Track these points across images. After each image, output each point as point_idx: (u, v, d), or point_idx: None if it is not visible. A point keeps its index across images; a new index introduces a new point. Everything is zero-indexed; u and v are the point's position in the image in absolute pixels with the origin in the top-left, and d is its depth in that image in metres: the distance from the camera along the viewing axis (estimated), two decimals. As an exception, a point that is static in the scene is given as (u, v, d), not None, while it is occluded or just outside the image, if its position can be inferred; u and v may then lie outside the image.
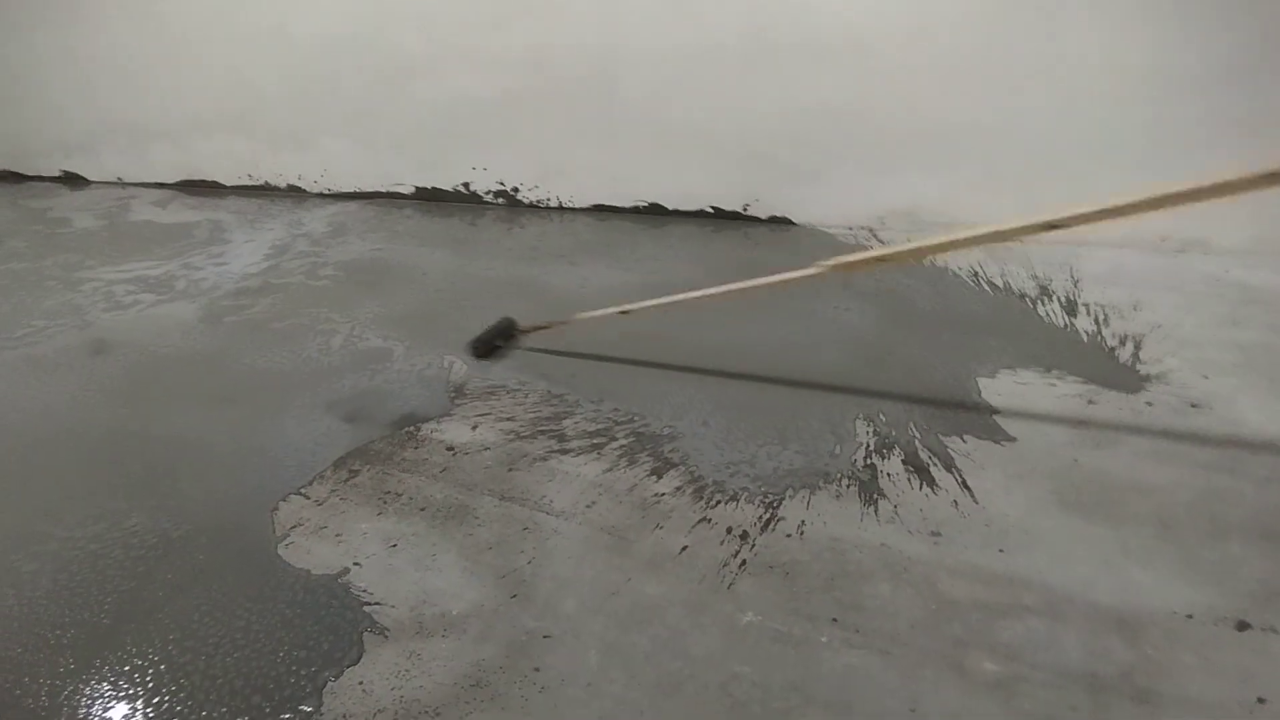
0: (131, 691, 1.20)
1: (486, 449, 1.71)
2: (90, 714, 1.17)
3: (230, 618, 1.32)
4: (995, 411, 1.74)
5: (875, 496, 1.50)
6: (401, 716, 1.13)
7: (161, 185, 4.20)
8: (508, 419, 1.81)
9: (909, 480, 1.53)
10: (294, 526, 1.52)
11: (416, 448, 1.73)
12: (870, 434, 1.69)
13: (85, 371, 2.22)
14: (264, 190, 3.92)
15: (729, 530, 1.44)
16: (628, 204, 3.17)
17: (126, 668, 1.24)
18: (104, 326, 2.51)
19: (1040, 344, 2.01)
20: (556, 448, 1.69)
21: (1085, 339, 2.03)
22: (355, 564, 1.41)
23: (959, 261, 2.53)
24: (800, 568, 1.35)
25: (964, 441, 1.65)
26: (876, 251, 1.63)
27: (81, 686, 1.22)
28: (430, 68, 3.17)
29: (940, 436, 1.67)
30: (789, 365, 1.98)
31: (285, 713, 1.15)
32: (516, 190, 3.30)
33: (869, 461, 1.60)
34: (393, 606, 1.32)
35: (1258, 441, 1.59)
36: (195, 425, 1.91)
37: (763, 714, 1.09)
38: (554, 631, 1.25)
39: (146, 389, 2.10)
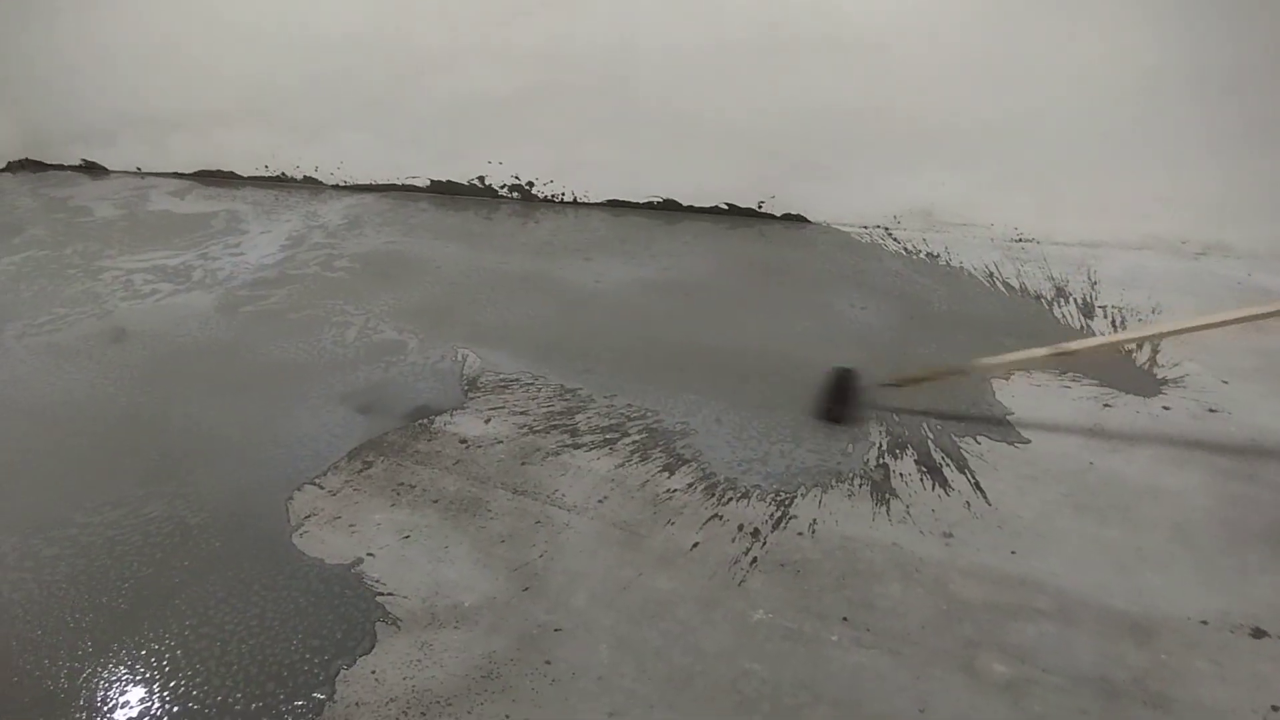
0: (148, 675, 1.22)
1: (500, 442, 1.71)
2: (108, 696, 1.19)
3: (246, 605, 1.34)
4: (1009, 413, 1.73)
5: (888, 496, 1.49)
6: (413, 706, 1.14)
7: (179, 175, 4.23)
8: (521, 413, 1.82)
9: (922, 481, 1.53)
10: (308, 516, 1.53)
11: (430, 440, 1.74)
12: (883, 433, 1.68)
13: (105, 359, 2.24)
14: (281, 181, 3.95)
15: (740, 527, 1.44)
16: (642, 199, 3.16)
17: (143, 652, 1.26)
18: (123, 315, 2.53)
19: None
20: (569, 442, 1.70)
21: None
22: (369, 554, 1.43)
23: (975, 261, 2.52)
24: (811, 566, 1.35)
25: (977, 443, 1.64)
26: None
27: (100, 669, 1.23)
28: (447, 62, 3.18)
29: (954, 437, 1.66)
30: (805, 362, 1.97)
31: (299, 700, 1.16)
32: (531, 185, 3.30)
33: (882, 461, 1.59)
34: (405, 597, 1.33)
35: (1278, 448, 1.58)
36: (212, 414, 1.93)
37: (772, 711, 1.09)
38: (565, 625, 1.26)
39: (164, 377, 2.12)
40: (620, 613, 1.27)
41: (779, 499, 1.50)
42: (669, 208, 3.13)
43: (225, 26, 3.65)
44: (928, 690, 1.11)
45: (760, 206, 3.00)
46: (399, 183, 3.62)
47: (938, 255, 2.59)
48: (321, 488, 1.61)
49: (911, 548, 1.36)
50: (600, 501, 1.52)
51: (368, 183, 3.70)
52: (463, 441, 1.73)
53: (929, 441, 1.64)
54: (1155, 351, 1.93)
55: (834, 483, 1.54)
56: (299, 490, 1.61)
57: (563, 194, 3.26)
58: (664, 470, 1.60)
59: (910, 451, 1.61)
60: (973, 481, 1.52)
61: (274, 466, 1.70)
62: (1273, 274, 2.35)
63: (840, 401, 1.75)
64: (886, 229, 2.81)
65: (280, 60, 3.59)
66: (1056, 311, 2.19)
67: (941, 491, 1.50)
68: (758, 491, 1.53)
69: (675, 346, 2.08)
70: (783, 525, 1.44)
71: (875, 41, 2.54)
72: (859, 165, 2.77)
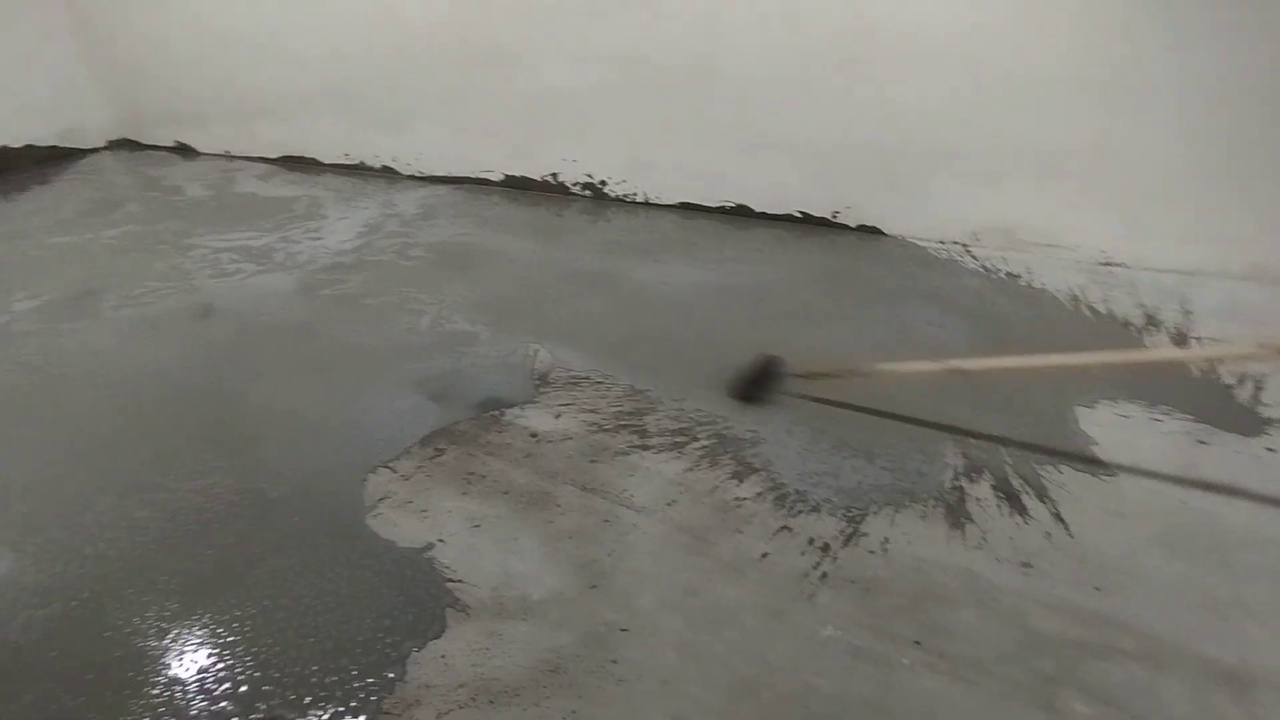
0: (229, 640, 1.26)
1: (569, 438, 1.73)
2: (192, 658, 1.23)
3: (322, 580, 1.38)
4: (1094, 443, 1.67)
5: (963, 520, 1.45)
6: (481, 693, 1.16)
7: (265, 160, 4.38)
8: (590, 410, 1.83)
9: (999, 507, 1.48)
10: (382, 499, 1.57)
11: (500, 432, 1.76)
12: (959, 456, 1.64)
13: (192, 333, 2.34)
14: (359, 170, 4.05)
15: (810, 541, 1.42)
16: (714, 203, 3.15)
17: (226, 618, 1.31)
18: (210, 292, 2.64)
19: (1145, 376, 1.91)
20: (638, 443, 1.70)
21: (1197, 374, 1.92)
22: (439, 540, 1.45)
23: (1058, 284, 2.43)
24: (882, 585, 1.32)
25: (1059, 472, 1.58)
26: None
27: (184, 630, 1.28)
28: (528, 57, 3.22)
29: (1034, 465, 1.60)
30: (875, 378, 1.94)
31: (371, 677, 1.19)
32: (604, 184, 3.32)
33: (957, 484, 1.55)
34: (474, 585, 1.35)
35: (1390, 499, 1.48)
36: (291, 392, 1.99)
37: (842, 731, 1.07)
38: (631, 625, 1.26)
39: (246, 354, 2.20)
40: (686, 617, 1.27)
41: (850, 515, 1.48)
42: (741, 213, 3.11)
43: (313, 17, 3.76)
44: (1005, 724, 1.07)
45: (834, 216, 2.95)
46: (473, 176, 3.68)
47: (1018, 275, 2.51)
48: (395, 471, 1.65)
49: (988, 575, 1.32)
50: (668, 505, 1.51)
51: (442, 175, 3.77)
52: (532, 435, 1.74)
53: (1007, 467, 1.59)
54: (1259, 387, 1.84)
55: (907, 502, 1.51)
56: (373, 473, 1.65)
57: (634, 194, 3.27)
58: (733, 477, 1.59)
59: (987, 476, 1.57)
60: (1053, 512, 1.47)
61: (349, 447, 1.75)
62: (1386, 313, 2.22)
63: (753, 384, 1.85)
64: (965, 245, 2.74)
65: (365, 51, 3.69)
66: (1146, 340, 2.10)
67: (1020, 520, 1.45)
68: (828, 505, 1.51)
69: (745, 352, 2.06)
70: (853, 542, 1.41)
71: (965, 52, 2.48)
72: (938, 179, 2.71)
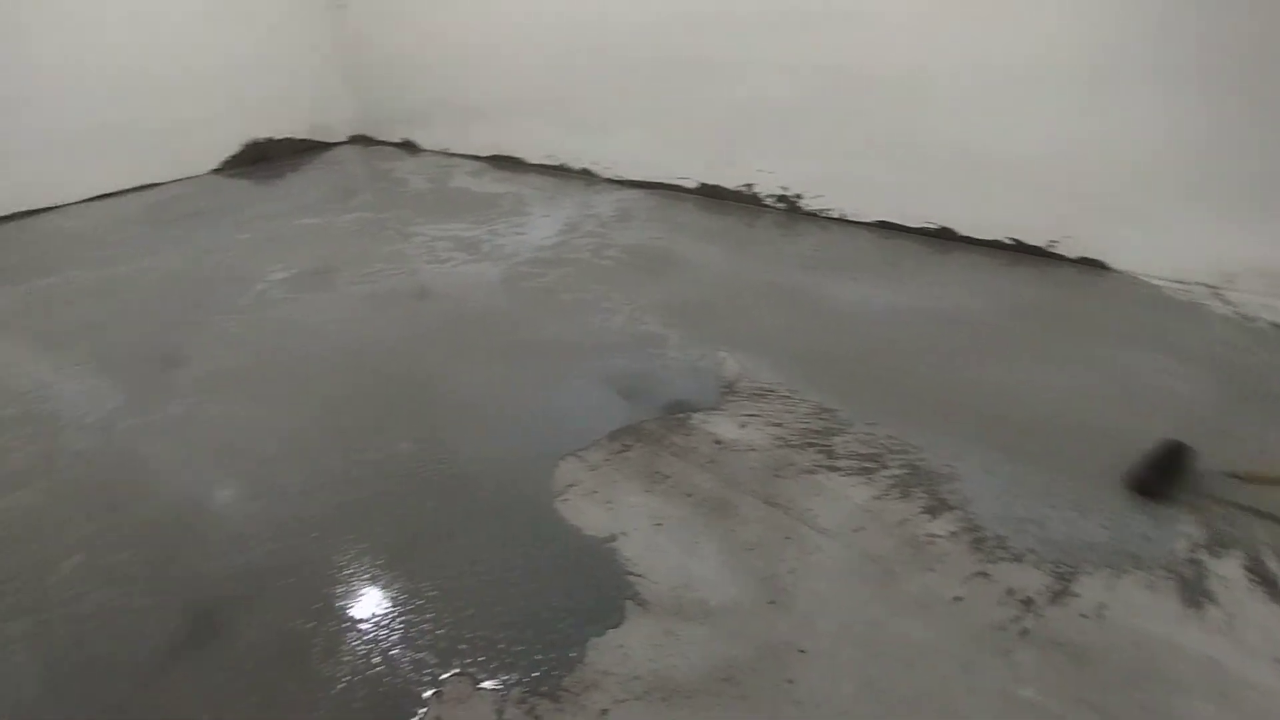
0: (431, 595, 1.37)
1: (753, 450, 1.72)
2: (398, 605, 1.36)
3: (511, 556, 1.46)
4: (1378, 533, 1.41)
5: (1201, 599, 1.28)
6: (656, 689, 1.17)
7: (476, 158, 4.75)
8: (776, 424, 1.80)
9: (1250, 591, 1.29)
10: (570, 485, 1.64)
11: (686, 435, 1.79)
12: (1198, 525, 1.44)
13: (410, 312, 2.58)
14: (561, 170, 4.28)
15: (1010, 591, 1.31)
16: (915, 224, 3.01)
17: (423, 583, 1.42)
18: (426, 276, 2.90)
19: None
20: (825, 463, 1.66)
21: None
22: (622, 533, 1.49)
23: (1332, 340, 2.08)
24: (1095, 655, 1.19)
25: (1330, 560, 1.35)
26: None
27: (391, 581, 1.41)
28: (731, 67, 3.24)
29: (1296, 547, 1.38)
30: (1093, 425, 1.75)
31: (554, 653, 1.25)
32: (799, 197, 3.27)
33: (1195, 556, 1.37)
34: (655, 582, 1.37)
35: None
36: (492, 375, 2.13)
37: (1043, 806, 0.98)
38: (809, 648, 1.23)
39: (455, 335, 2.39)
40: (868, 651, 1.22)
41: (1059, 571, 1.35)
42: (943, 235, 2.95)
43: (531, 22, 4.03)
44: (1248, 841, 0.93)
45: (1050, 246, 2.72)
46: (667, 182, 3.77)
47: (1284, 327, 2.18)
48: (583, 461, 1.72)
49: (1232, 666, 1.16)
50: (854, 530, 1.46)
51: (638, 179, 3.90)
52: (717, 442, 1.75)
53: (1262, 546, 1.38)
54: None
55: (1130, 568, 1.35)
56: (563, 460, 1.73)
57: (830, 210, 3.20)
58: (925, 512, 1.50)
59: (1237, 554, 1.37)
60: (1320, 606, 1.25)
61: (542, 433, 1.85)
62: None
63: (1164, 476, 1.53)
64: (1213, 288, 2.41)
65: (573, 59, 3.89)
66: None
67: (1278, 609, 1.25)
68: (1033, 556, 1.38)
69: (943, 382, 1.95)
70: (1062, 601, 1.29)
71: (1221, 66, 2.18)
72: (1182, 209, 2.41)
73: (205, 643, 1.32)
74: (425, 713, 1.16)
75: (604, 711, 1.14)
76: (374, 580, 1.42)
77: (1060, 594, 1.30)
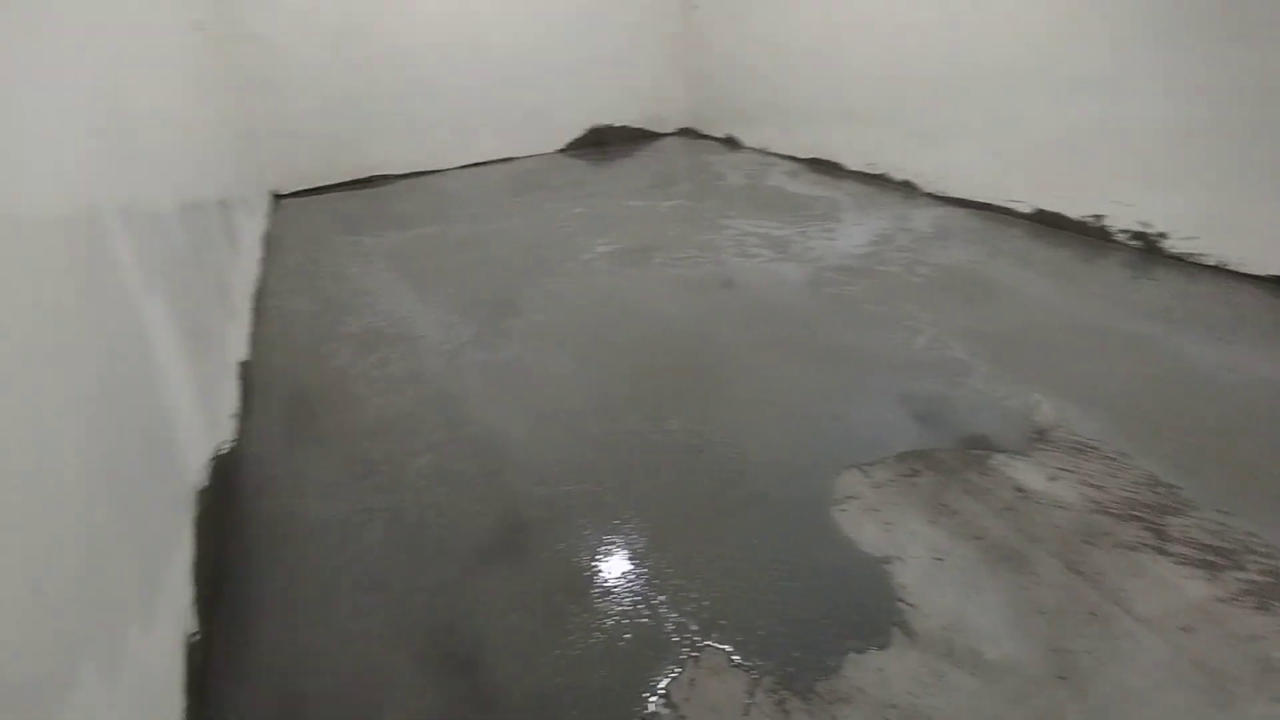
0: (698, 566, 1.45)
1: (1061, 508, 1.54)
2: (663, 574, 1.45)
3: (782, 550, 1.49)
4: None
5: None
6: (913, 724, 1.13)
7: (795, 159, 4.79)
8: (1094, 486, 1.60)
9: None
10: (850, 497, 1.62)
11: (982, 474, 1.66)
12: None
13: (714, 299, 2.70)
14: (880, 180, 4.15)
15: (1399, 763, 1.04)
16: (1323, 286, 2.43)
17: (697, 551, 1.50)
18: (733, 268, 3.01)
19: None
20: (1152, 543, 1.44)
21: None
22: (899, 558, 1.44)
23: None
24: None
25: None
26: None
27: (661, 550, 1.52)
28: (1100, 83, 2.86)
29: None
30: None
31: (811, 654, 1.26)
32: (1163, 236, 2.81)
33: None
34: (926, 616, 1.31)
35: None
36: (783, 372, 2.16)
37: None
38: (1103, 742, 1.09)
39: (753, 328, 2.45)
40: (1180, 769, 1.05)
41: None
42: (1362, 305, 2.34)
43: (863, 30, 3.95)
44: None
45: None
46: (996, 203, 3.47)
47: None
48: (867, 476, 1.68)
49: None
50: (1182, 629, 1.25)
51: (963, 197, 3.64)
52: (1019, 490, 1.60)
53: None
54: None
55: None
56: (845, 470, 1.71)
57: (1203, 254, 2.69)
58: (1286, 632, 1.24)
59: None
60: None
61: (828, 438, 1.84)
62: None
63: None
64: None
65: (910, 68, 3.73)
66: None
67: None
68: None
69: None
70: None
71: None
72: None
73: (511, 552, 1.53)
74: (682, 673, 1.24)
75: (855, 728, 1.13)
76: (652, 540, 1.54)
77: None
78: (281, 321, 2.77)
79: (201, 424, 1.72)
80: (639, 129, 5.78)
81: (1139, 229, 2.90)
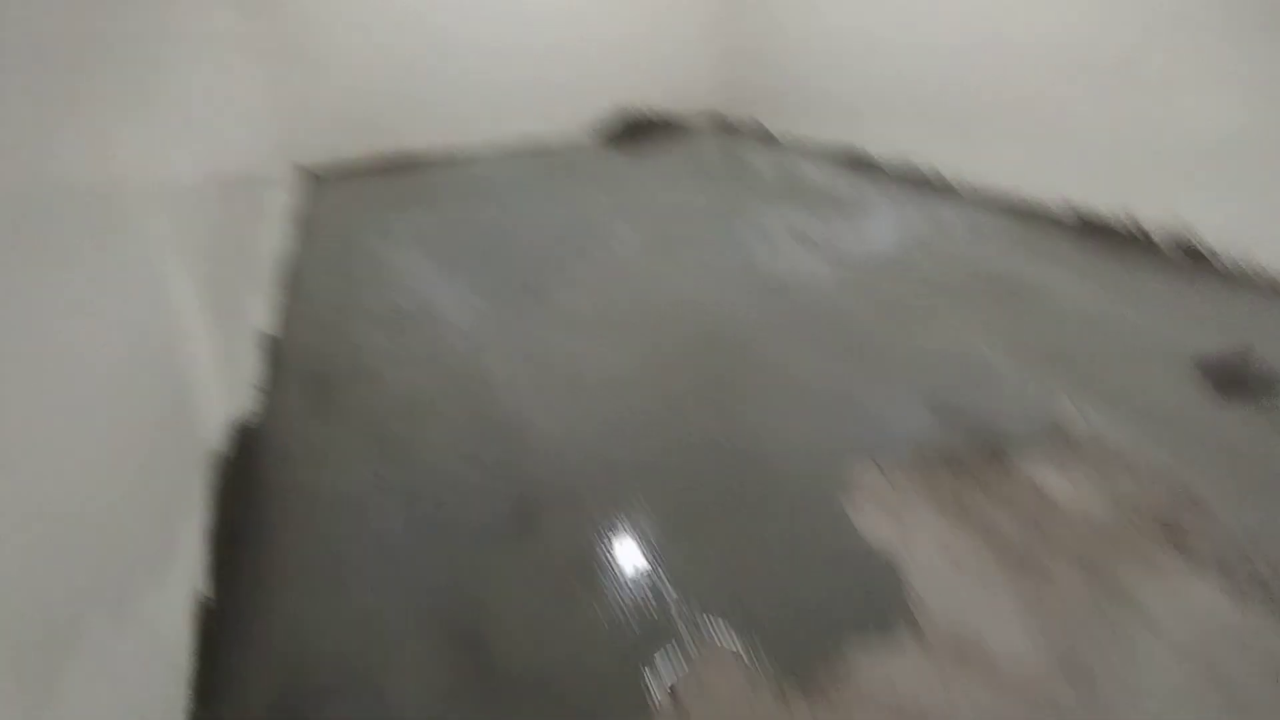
0: (704, 561, 1.45)
1: (1082, 513, 1.51)
2: (674, 561, 1.45)
3: (793, 542, 1.48)
4: None
5: None
6: (915, 721, 1.11)
7: (828, 152, 4.72)
8: (1118, 493, 1.56)
9: None
10: (866, 492, 1.60)
11: (1001, 475, 1.63)
12: None
13: (745, 292, 2.68)
14: (914, 176, 4.07)
15: None
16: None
17: (711, 542, 1.50)
18: (761, 259, 2.98)
19: None
20: (1176, 555, 1.40)
21: None
22: (909, 555, 1.43)
23: None
24: None
25: None
26: None
27: (673, 538, 1.52)
28: (1159, 82, 2.76)
29: None
30: None
31: (814, 647, 1.25)
32: (1207, 243, 2.70)
33: None
34: (934, 614, 1.29)
35: None
36: (811, 364, 2.14)
37: None
38: (1108, 748, 1.07)
39: (783, 321, 2.42)
40: (1187, 781, 1.02)
41: None
42: None
43: (903, 19, 3.87)
44: None
45: None
46: (1038, 205, 3.38)
47: None
48: (883, 472, 1.66)
49: None
50: (1199, 639, 1.22)
51: (1003, 199, 3.56)
52: (1039, 492, 1.57)
53: None
54: None
55: None
56: (861, 463, 1.69)
57: (1249, 265, 2.59)
58: (1311, 652, 1.20)
59: None
60: None
61: (847, 430, 1.82)
62: None
63: None
64: None
65: (950, 56, 3.65)
66: None
67: None
68: None
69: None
70: None
71: None
72: None
73: (524, 532, 1.55)
74: (686, 662, 1.24)
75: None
76: (665, 528, 1.54)
77: None
78: (308, 298, 2.81)
79: (223, 392, 1.76)
80: (671, 114, 5.75)
81: (1183, 234, 2.82)
